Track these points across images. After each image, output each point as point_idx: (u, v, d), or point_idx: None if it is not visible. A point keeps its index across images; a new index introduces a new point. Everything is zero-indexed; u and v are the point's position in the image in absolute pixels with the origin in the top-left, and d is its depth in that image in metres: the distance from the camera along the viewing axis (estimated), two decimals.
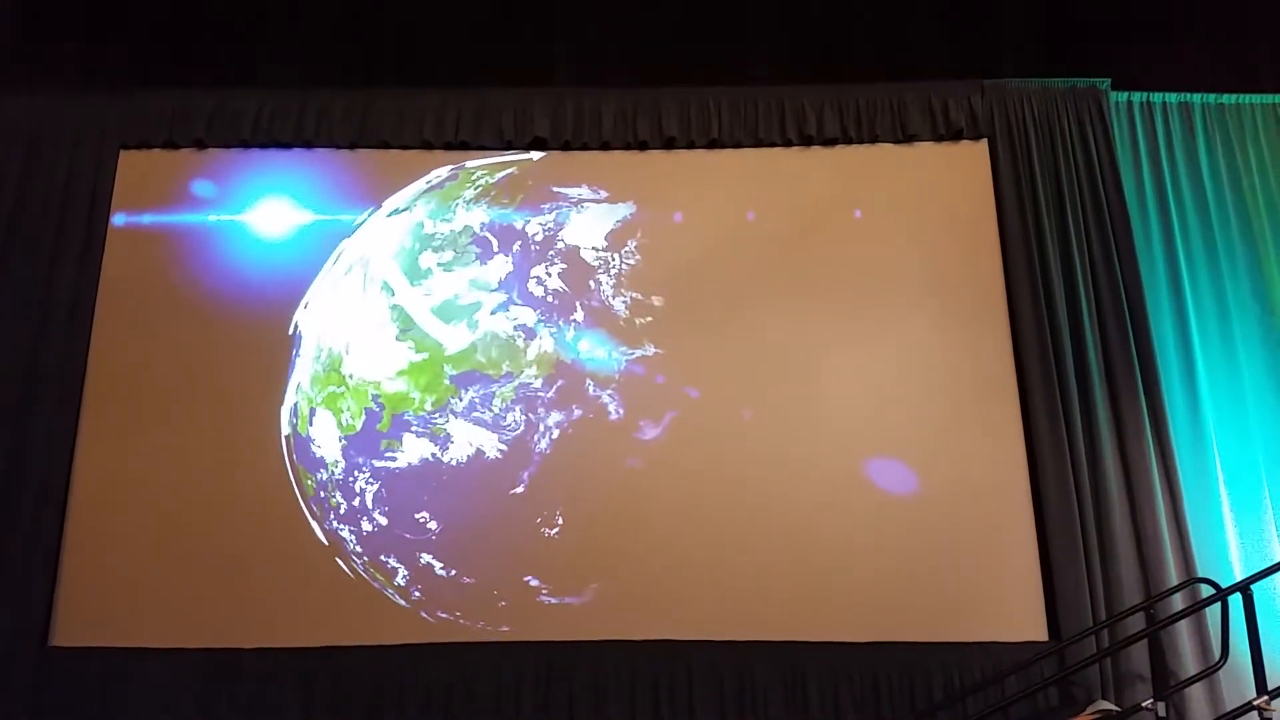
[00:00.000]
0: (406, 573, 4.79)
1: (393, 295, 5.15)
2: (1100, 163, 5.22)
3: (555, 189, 5.30)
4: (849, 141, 5.33)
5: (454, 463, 4.93)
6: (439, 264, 5.20)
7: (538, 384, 5.02)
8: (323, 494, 4.88)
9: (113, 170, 5.24)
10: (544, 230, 5.24)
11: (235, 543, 4.78)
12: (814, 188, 5.29)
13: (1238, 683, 4.32)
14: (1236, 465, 4.87)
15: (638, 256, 5.19)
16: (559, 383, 5.03)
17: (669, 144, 5.32)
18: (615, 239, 5.23)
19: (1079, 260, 5.05)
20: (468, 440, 4.95)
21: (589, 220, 5.26)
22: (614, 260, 5.19)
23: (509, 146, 5.32)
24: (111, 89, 5.36)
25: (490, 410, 4.99)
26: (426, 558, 4.80)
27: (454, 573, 4.78)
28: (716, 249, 5.21)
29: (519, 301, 5.15)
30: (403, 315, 5.13)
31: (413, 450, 4.94)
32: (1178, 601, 4.48)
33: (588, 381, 5.02)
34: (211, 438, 4.91)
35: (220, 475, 4.86)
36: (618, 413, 4.98)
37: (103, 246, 5.12)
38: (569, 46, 5.56)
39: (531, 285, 5.15)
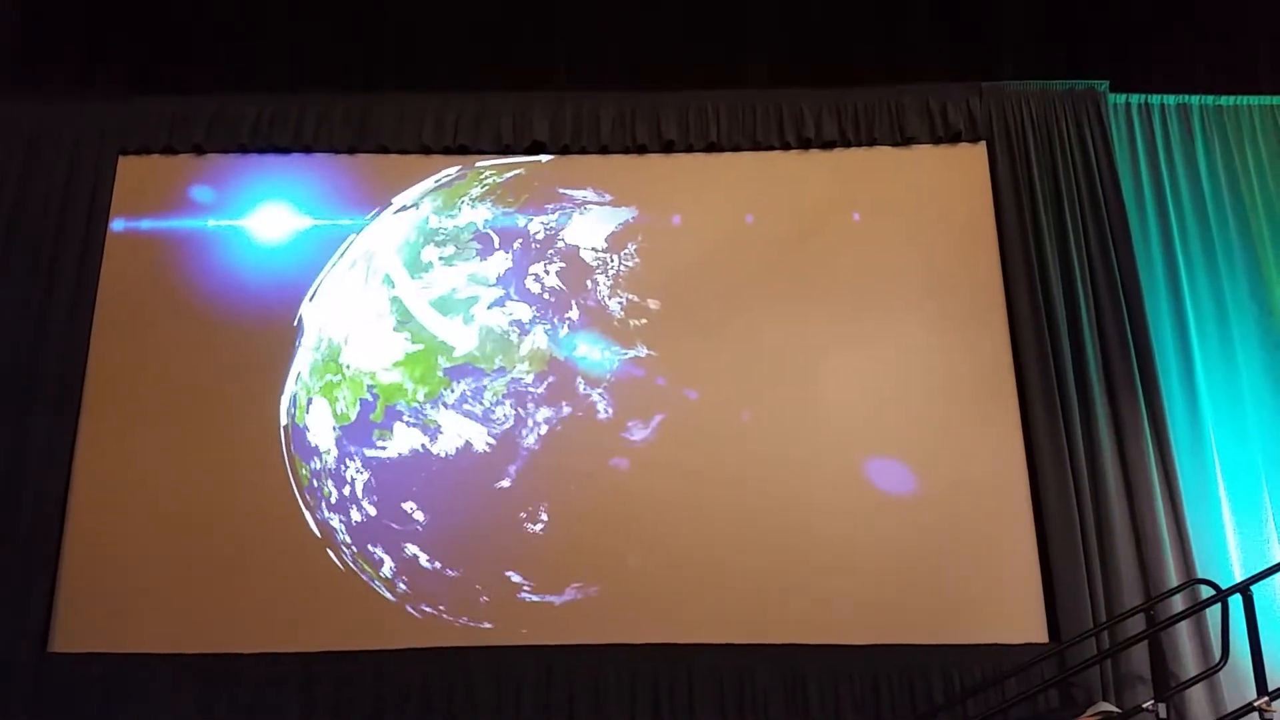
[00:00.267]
0: (393, 564, 4.80)
1: (393, 288, 5.17)
2: (1099, 164, 5.22)
3: (561, 190, 5.31)
4: (847, 144, 5.33)
5: (443, 454, 4.94)
6: (440, 258, 5.21)
7: (529, 379, 5.04)
8: (315, 483, 4.90)
9: (112, 176, 5.24)
10: (545, 229, 5.26)
11: (235, 545, 4.78)
12: (812, 190, 5.29)
13: (1238, 684, 4.32)
14: (1235, 466, 4.87)
15: (637, 259, 5.20)
16: (550, 379, 5.04)
17: (668, 147, 5.33)
18: (615, 241, 5.23)
19: (1078, 262, 5.06)
20: (457, 432, 4.96)
21: (591, 222, 5.27)
22: (613, 261, 5.20)
23: (507, 150, 5.33)
24: (110, 94, 5.36)
25: (481, 403, 5.00)
26: (412, 549, 4.81)
27: (438, 565, 4.79)
28: (715, 252, 5.21)
29: (515, 297, 5.16)
30: (401, 307, 5.15)
31: (403, 440, 4.96)
32: (1178, 603, 4.48)
33: (578, 379, 5.03)
34: (210, 442, 4.91)
35: (219, 480, 4.87)
36: (607, 412, 4.98)
37: (101, 251, 5.12)
38: (568, 49, 5.56)
39: (529, 282, 5.16)
